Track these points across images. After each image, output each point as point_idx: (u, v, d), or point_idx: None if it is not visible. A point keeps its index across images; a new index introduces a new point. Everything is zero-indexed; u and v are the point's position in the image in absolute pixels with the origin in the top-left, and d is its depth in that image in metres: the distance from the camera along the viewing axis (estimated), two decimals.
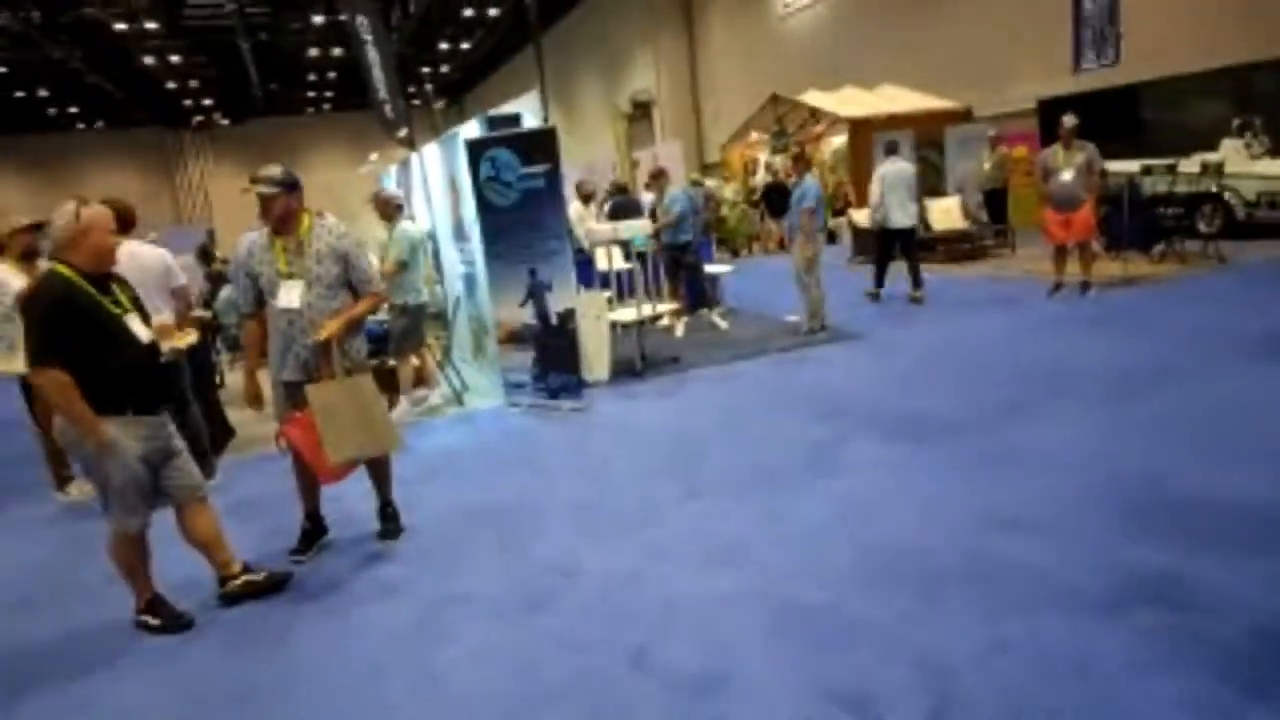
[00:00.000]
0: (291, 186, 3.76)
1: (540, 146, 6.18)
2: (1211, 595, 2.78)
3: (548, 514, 4.26)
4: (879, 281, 9.41)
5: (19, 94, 32.18)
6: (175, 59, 29.74)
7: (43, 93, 32.48)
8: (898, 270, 9.24)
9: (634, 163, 19.13)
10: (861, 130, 15.03)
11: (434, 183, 8.15)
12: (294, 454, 3.87)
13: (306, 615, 3.48)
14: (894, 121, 14.95)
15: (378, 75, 10.83)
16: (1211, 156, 10.59)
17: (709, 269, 9.62)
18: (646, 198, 10.12)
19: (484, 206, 6.38)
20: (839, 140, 16.43)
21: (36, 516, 5.28)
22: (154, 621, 3.45)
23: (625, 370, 7.12)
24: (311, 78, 35.88)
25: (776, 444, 4.92)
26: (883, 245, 9.43)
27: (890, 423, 5.00)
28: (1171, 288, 8.29)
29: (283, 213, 3.75)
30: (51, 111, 35.98)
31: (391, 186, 11.39)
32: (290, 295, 3.74)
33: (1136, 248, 9.42)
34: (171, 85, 34.13)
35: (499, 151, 6.24)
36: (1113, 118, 11.66)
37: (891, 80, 16.73)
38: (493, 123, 6.92)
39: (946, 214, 12.32)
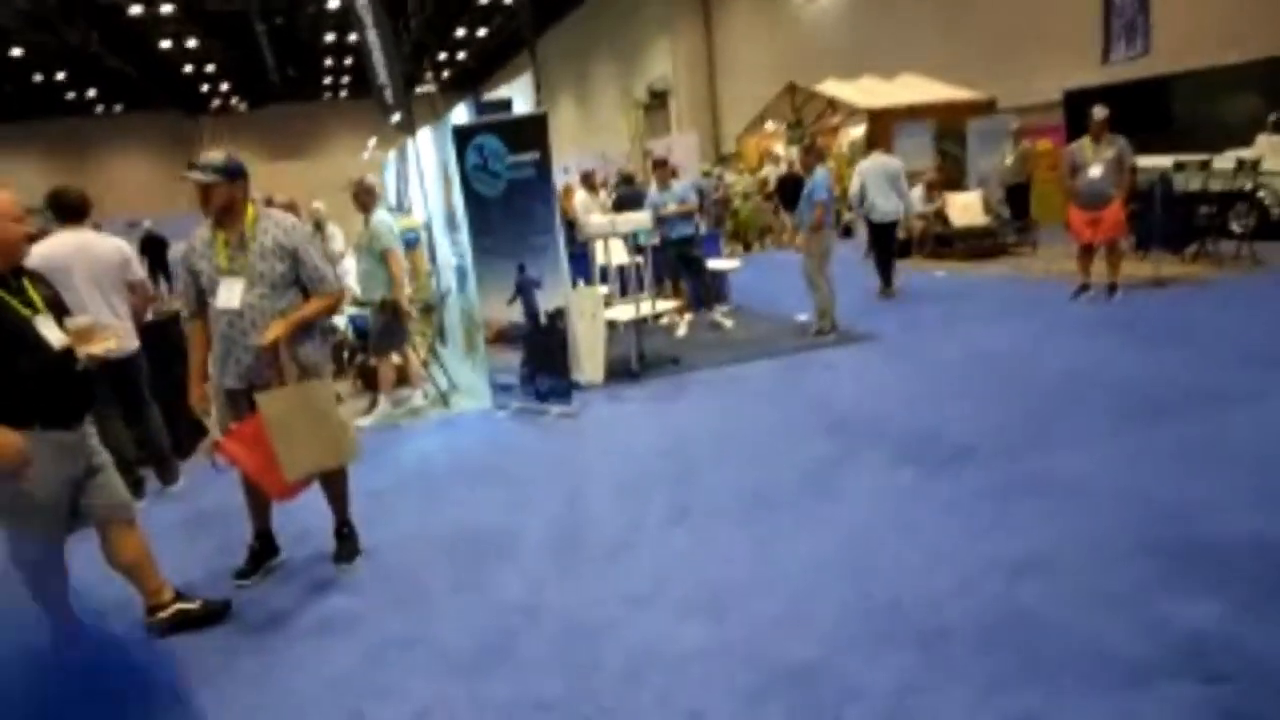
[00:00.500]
0: (234, 174, 3.41)
1: (529, 133, 5.77)
2: (1260, 663, 2.39)
3: (519, 539, 3.88)
4: (886, 279, 9.15)
5: (38, 78, 32.24)
6: (192, 43, 29.66)
7: (60, 76, 32.53)
8: (912, 266, 8.82)
9: (646, 153, 18.72)
10: (880, 121, 14.45)
11: (428, 170, 7.78)
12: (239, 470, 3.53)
13: (240, 651, 3.14)
14: (914, 112, 14.44)
15: (377, 58, 10.56)
16: (1246, 153, 10.07)
17: (714, 265, 9.19)
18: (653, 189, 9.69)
19: (471, 196, 6.01)
20: (857, 131, 15.91)
21: None
22: None
23: (621, 371, 6.74)
24: (328, 63, 35.74)
25: (774, 462, 4.51)
26: (876, 240, 9.30)
27: (897, 441, 4.59)
28: (1204, 291, 7.80)
29: (224, 203, 3.40)
30: (70, 95, 36.08)
31: (391, 175, 11.09)
32: (230, 294, 3.38)
33: (1167, 248, 8.91)
34: (189, 69, 34.12)
35: (487, 138, 5.84)
36: (1143, 111, 11.13)
37: (912, 69, 16.19)
38: (483, 108, 6.52)
39: (967, 209, 11.76)
